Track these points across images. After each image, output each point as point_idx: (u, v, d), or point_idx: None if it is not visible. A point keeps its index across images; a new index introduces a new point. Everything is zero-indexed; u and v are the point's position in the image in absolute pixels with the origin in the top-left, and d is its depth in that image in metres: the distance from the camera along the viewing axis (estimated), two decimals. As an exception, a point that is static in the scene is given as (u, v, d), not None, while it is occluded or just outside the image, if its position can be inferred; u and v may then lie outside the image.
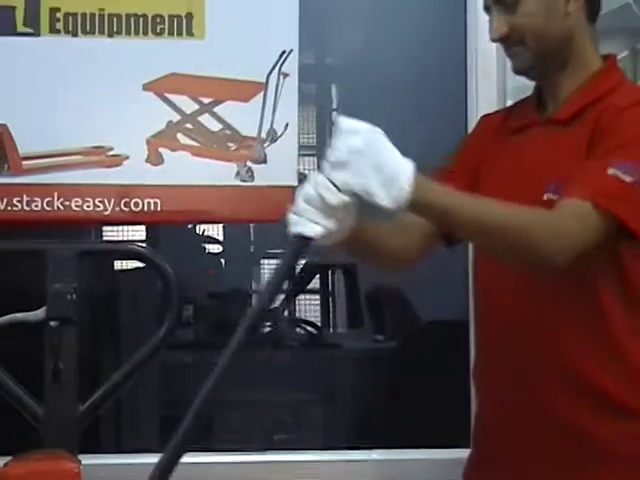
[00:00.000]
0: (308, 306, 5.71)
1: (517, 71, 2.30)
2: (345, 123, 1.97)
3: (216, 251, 5.74)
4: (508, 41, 2.24)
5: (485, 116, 2.55)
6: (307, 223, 1.96)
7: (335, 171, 1.94)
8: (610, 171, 2.07)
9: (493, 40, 2.27)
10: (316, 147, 6.30)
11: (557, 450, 2.21)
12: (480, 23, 2.84)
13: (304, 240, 1.98)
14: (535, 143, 2.28)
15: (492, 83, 2.86)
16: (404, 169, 1.94)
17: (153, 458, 2.82)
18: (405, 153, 1.99)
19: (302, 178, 2.10)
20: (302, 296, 5.62)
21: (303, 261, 5.79)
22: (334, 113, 6.45)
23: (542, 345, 2.21)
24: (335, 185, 1.93)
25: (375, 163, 1.92)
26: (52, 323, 2.34)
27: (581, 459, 2.19)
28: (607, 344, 2.18)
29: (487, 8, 2.27)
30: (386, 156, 1.94)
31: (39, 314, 2.36)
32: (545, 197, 2.18)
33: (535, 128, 2.31)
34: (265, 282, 2.06)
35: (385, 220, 2.28)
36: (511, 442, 2.26)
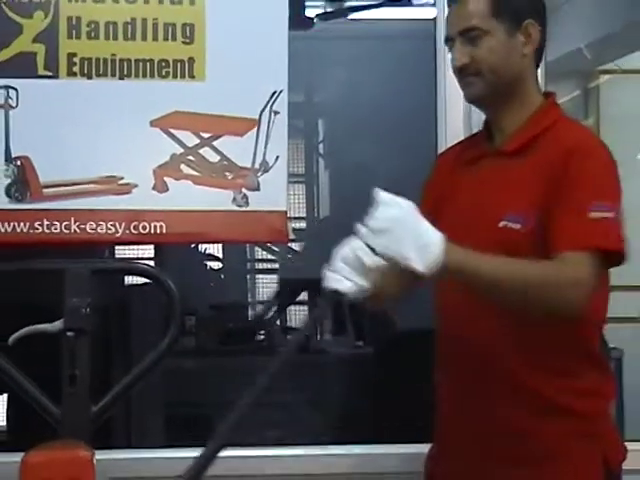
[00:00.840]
0: (298, 316, 5.71)
1: (469, 99, 2.30)
2: (383, 196, 1.96)
3: (216, 267, 5.74)
4: (466, 70, 2.23)
5: (440, 155, 2.56)
6: (342, 280, 1.94)
7: (374, 237, 1.93)
8: (592, 215, 2.07)
9: (455, 67, 2.25)
10: (304, 175, 6.32)
11: (509, 448, 2.19)
12: (448, 66, 2.84)
13: (338, 294, 1.96)
14: (487, 173, 2.27)
15: (458, 117, 2.85)
16: (435, 238, 1.95)
17: (158, 453, 2.83)
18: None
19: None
20: (292, 307, 5.62)
21: (292, 277, 5.80)
22: (320, 145, 6.46)
23: (490, 352, 2.19)
24: (372, 249, 1.93)
25: (410, 232, 1.93)
26: (69, 334, 2.33)
27: (530, 456, 2.18)
28: (552, 360, 2.18)
29: (449, 39, 2.26)
30: (420, 226, 1.95)
31: (57, 326, 2.35)
32: (500, 224, 2.17)
33: (486, 159, 2.29)
34: (300, 324, 2.06)
35: None
36: (465, 440, 2.24)
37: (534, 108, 2.26)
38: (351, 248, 1.94)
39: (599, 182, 2.12)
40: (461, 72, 2.24)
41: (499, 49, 2.21)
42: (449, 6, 2.32)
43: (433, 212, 2.32)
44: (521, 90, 2.25)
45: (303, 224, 6.29)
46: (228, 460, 2.79)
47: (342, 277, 1.94)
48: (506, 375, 2.17)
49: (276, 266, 6.31)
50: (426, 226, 1.95)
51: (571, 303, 2.03)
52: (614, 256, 2.09)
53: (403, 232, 1.92)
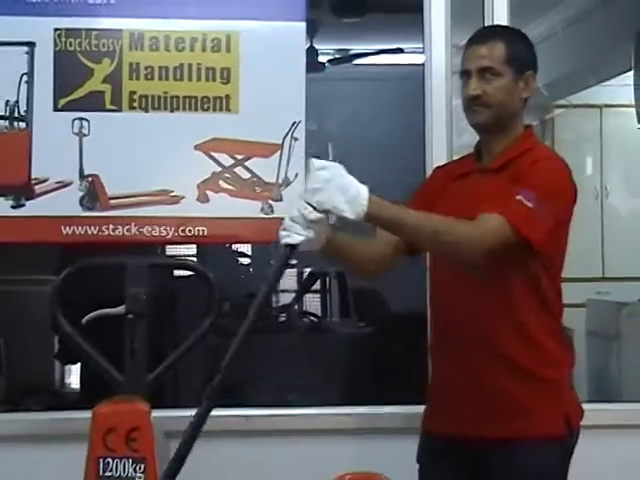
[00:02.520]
0: (311, 302, 5.71)
1: (474, 123, 2.30)
2: (316, 162, 2.00)
3: (246, 263, 5.75)
4: (477, 100, 2.24)
5: (437, 168, 2.57)
6: (292, 234, 1.99)
7: (312, 196, 1.98)
8: (517, 197, 2.10)
9: (469, 96, 2.24)
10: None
11: (488, 406, 2.20)
12: (434, 102, 2.84)
13: (290, 248, 2.00)
14: (476, 185, 2.29)
15: (442, 143, 2.85)
16: (362, 191, 1.98)
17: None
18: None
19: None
20: (307, 295, 5.62)
21: (308, 270, 5.80)
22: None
23: (475, 330, 2.20)
24: (312, 206, 1.97)
25: (340, 188, 1.97)
26: (129, 316, 2.33)
27: (505, 413, 2.19)
28: (522, 332, 2.18)
29: (466, 72, 2.26)
30: (348, 182, 1.98)
31: (120, 310, 2.36)
32: None
33: (475, 174, 2.32)
34: (265, 280, 2.08)
35: (362, 234, 2.31)
36: (453, 401, 2.25)
37: (516, 136, 2.29)
38: (297, 208, 1.99)
39: (536, 180, 2.15)
40: (472, 101, 2.25)
41: (506, 89, 2.23)
42: (468, 44, 2.30)
43: (429, 204, 2.32)
44: (512, 123, 2.28)
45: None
46: (256, 418, 2.81)
47: (291, 232, 1.99)
48: (490, 345, 2.18)
49: (294, 262, 6.31)
50: (353, 182, 1.99)
51: (468, 249, 2.05)
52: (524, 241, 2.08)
53: (334, 189, 1.96)
